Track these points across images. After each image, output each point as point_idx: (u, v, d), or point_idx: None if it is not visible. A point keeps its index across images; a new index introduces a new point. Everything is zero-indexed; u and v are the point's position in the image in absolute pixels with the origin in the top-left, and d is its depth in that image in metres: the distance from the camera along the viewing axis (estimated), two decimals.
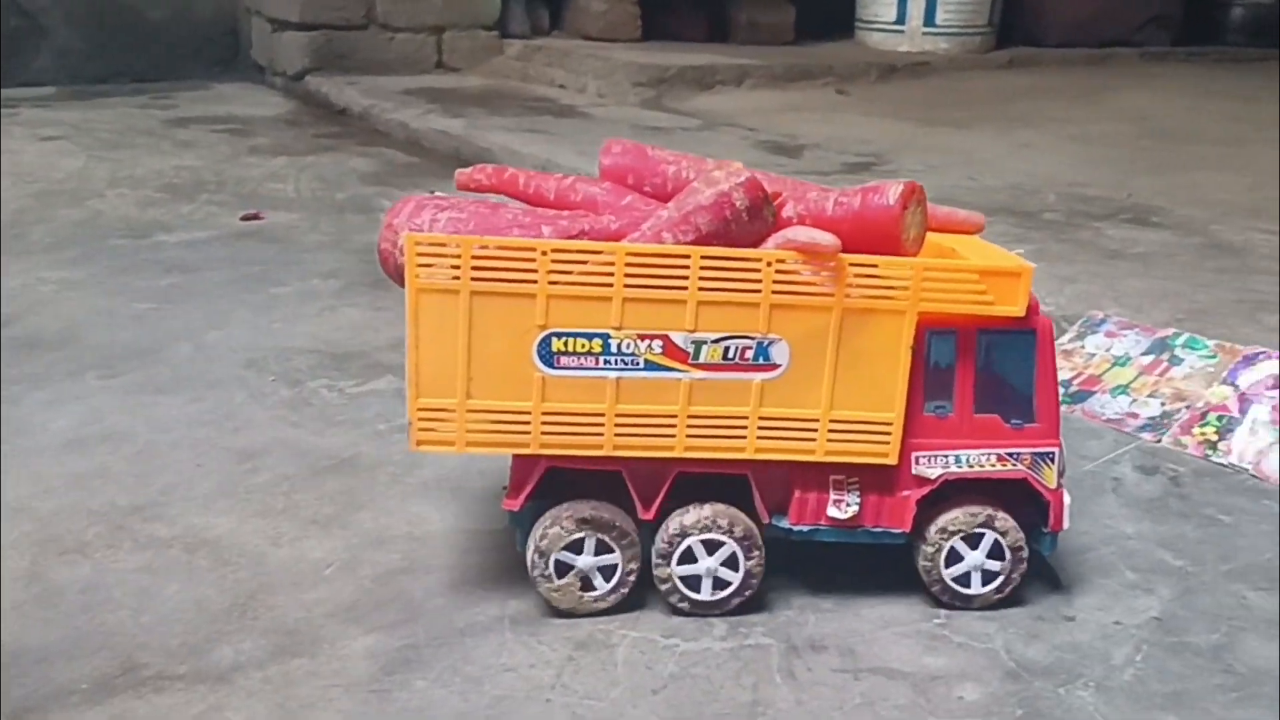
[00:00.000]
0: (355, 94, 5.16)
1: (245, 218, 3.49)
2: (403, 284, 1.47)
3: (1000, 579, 1.58)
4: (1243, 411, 2.09)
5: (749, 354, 1.46)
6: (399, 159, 4.44)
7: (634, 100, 5.08)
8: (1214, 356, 2.23)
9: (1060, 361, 2.36)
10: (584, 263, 1.41)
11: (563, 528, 1.51)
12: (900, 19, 6.23)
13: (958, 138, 4.51)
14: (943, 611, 1.58)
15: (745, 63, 5.39)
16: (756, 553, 1.54)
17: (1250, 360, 2.20)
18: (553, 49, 5.62)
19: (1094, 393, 2.24)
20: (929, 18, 6.18)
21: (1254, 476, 1.98)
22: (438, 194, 1.61)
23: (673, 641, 1.50)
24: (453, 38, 5.80)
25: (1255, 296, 2.68)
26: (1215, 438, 2.07)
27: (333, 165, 4.30)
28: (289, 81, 5.81)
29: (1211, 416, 2.11)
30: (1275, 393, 2.10)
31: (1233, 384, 2.16)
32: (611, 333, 1.43)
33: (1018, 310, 1.48)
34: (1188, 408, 2.13)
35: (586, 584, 1.54)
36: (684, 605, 1.55)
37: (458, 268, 1.40)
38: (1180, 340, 2.29)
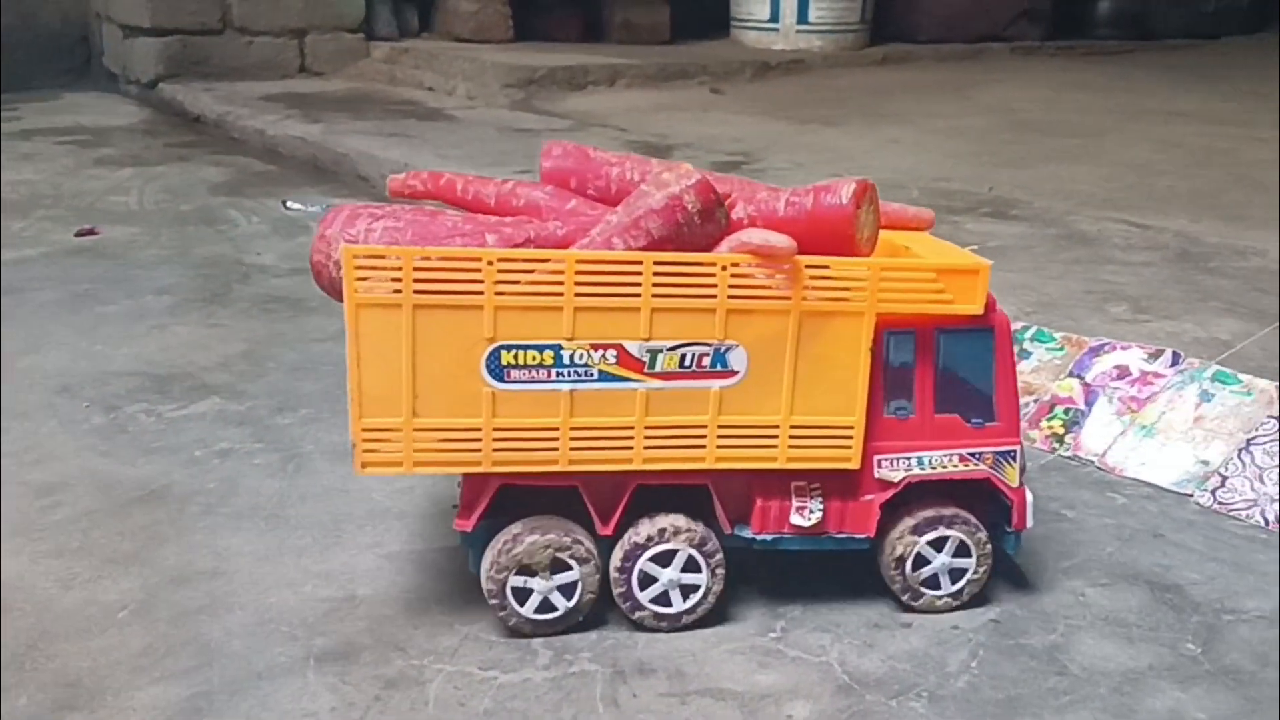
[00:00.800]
0: (211, 101, 4.98)
1: (80, 233, 3.32)
2: (338, 299, 1.40)
3: (965, 581, 1.55)
4: (1089, 404, 2.08)
5: (706, 361, 1.41)
6: (254, 167, 4.28)
7: (503, 102, 4.99)
8: (1061, 349, 2.22)
9: None
10: (532, 271, 1.35)
11: (518, 549, 1.45)
12: (774, 17, 6.23)
13: (827, 135, 4.50)
14: (778, 624, 1.53)
15: (618, 62, 5.33)
16: (718, 554, 1.50)
17: (1096, 352, 2.19)
18: (420, 51, 5.49)
19: None
20: (802, 16, 6.19)
21: (1100, 469, 1.97)
22: (366, 203, 1.54)
23: (491, 674, 1.42)
24: (315, 41, 5.63)
25: (1104, 287, 2.69)
26: (1062, 431, 2.06)
27: (182, 175, 4.12)
28: (143, 89, 5.59)
29: (1059, 410, 2.09)
30: (1121, 383, 2.10)
31: (1079, 376, 2.14)
32: (563, 344, 1.37)
33: (977, 308, 1.46)
34: (1035, 401, 2.11)
35: (544, 605, 1.47)
36: (663, 625, 1.51)
37: (399, 280, 1.33)
38: (1028, 334, 2.28)
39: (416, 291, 1.33)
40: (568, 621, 1.49)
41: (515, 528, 1.46)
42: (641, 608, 1.50)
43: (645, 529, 1.48)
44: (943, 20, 6.86)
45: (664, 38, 6.18)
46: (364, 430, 1.38)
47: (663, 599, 1.50)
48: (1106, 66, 6.92)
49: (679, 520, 1.49)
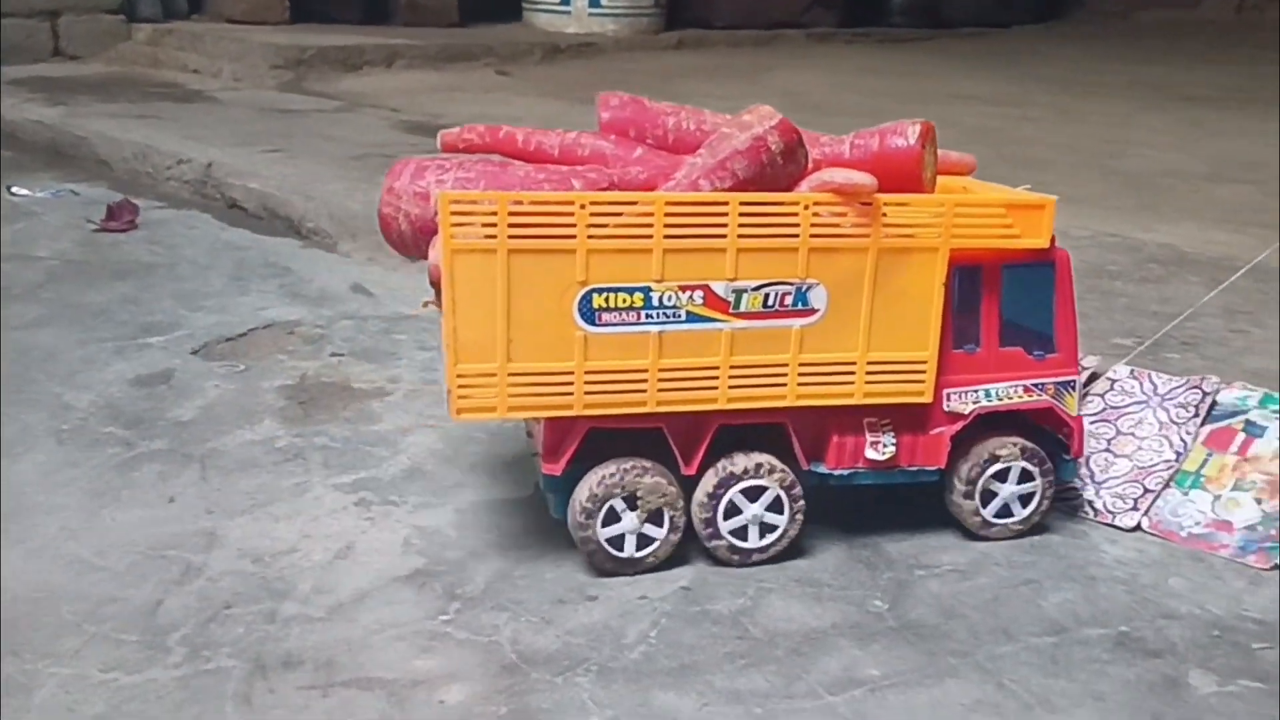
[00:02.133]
0: None
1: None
2: (406, 251, 1.45)
3: (1032, 507, 1.59)
4: None
5: (788, 300, 1.43)
6: None
7: (271, 83, 4.76)
8: None
9: None
10: (621, 214, 1.35)
11: (608, 491, 1.45)
12: (566, 0, 6.14)
13: None
14: (453, 606, 1.42)
15: (397, 43, 5.16)
16: (801, 500, 1.52)
17: None
18: (185, 33, 5.20)
19: None
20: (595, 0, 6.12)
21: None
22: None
23: (111, 675, 1.27)
24: (70, 23, 5.27)
25: None
26: None
27: None
28: None
29: None
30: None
31: None
32: (653, 285, 1.38)
33: (1043, 242, 1.49)
34: None
35: (617, 544, 1.48)
36: (734, 558, 1.52)
37: (493, 225, 1.32)
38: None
39: (511, 236, 1.33)
40: (656, 558, 1.50)
41: (603, 469, 1.46)
42: (720, 537, 1.50)
43: (741, 461, 1.48)
44: (739, 6, 6.89)
45: (453, 19, 6.02)
46: (459, 376, 1.37)
47: (740, 533, 1.50)
48: (899, 53, 7.05)
49: (773, 459, 1.50)
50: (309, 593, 1.44)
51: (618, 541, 1.48)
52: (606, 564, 1.48)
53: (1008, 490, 1.57)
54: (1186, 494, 1.65)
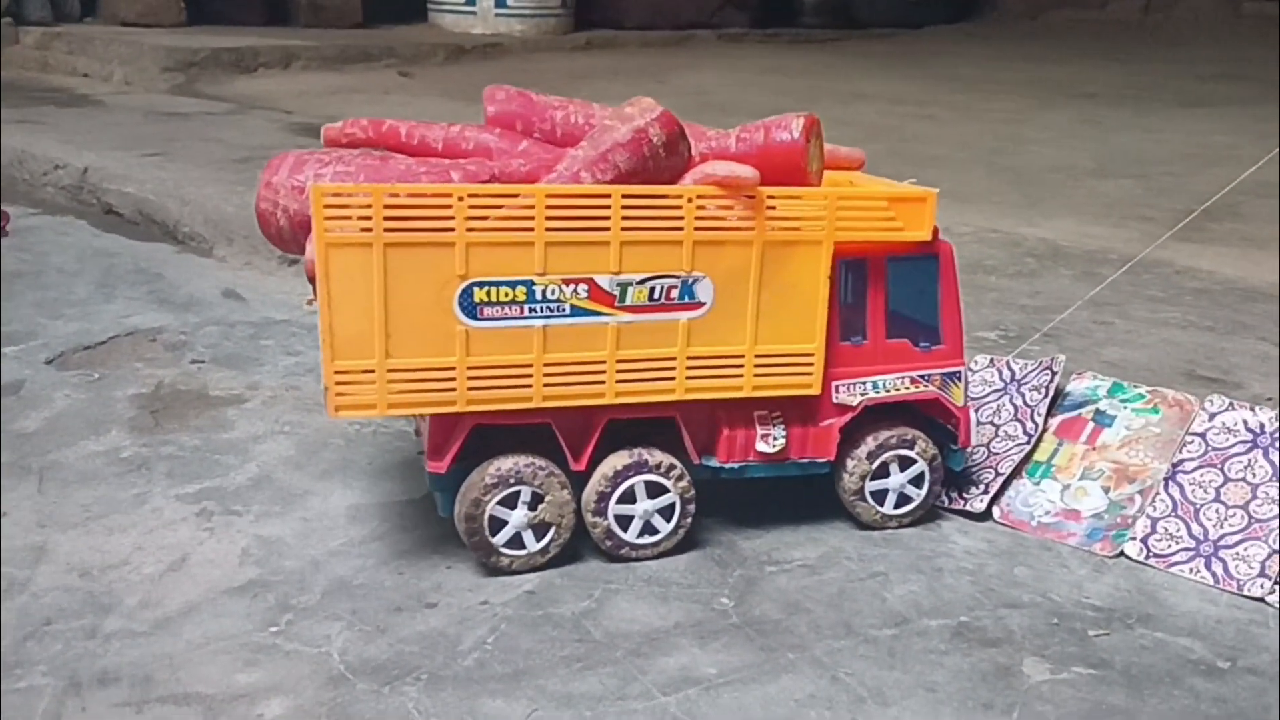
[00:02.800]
0: None
1: None
2: (284, 247, 1.42)
3: (922, 496, 1.60)
4: None
5: (674, 293, 1.42)
6: None
7: (163, 86, 4.66)
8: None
9: None
10: (501, 207, 1.33)
11: (494, 484, 1.43)
12: (471, 1, 6.08)
13: None
14: (285, 618, 1.37)
15: (293, 44, 5.07)
16: (693, 506, 1.52)
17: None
18: (76, 36, 5.07)
19: None
20: (500, 0, 6.07)
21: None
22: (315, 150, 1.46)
23: None
24: None
25: None
26: None
27: None
28: None
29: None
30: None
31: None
32: (535, 279, 1.37)
33: (926, 234, 1.50)
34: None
35: (515, 541, 1.46)
36: (614, 549, 1.50)
37: (368, 219, 1.30)
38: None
39: (387, 230, 1.30)
40: (546, 555, 1.49)
41: (489, 465, 1.44)
42: (604, 516, 1.49)
43: (657, 457, 1.49)
44: (649, 7, 6.89)
45: (356, 20, 5.94)
46: (337, 373, 1.35)
47: (623, 522, 1.50)
48: (810, 54, 7.10)
49: (675, 460, 1.50)
50: (135, 607, 1.39)
51: (514, 540, 1.47)
52: (500, 561, 1.47)
53: (895, 481, 1.58)
54: (1038, 484, 1.66)
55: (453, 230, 1.33)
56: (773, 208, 1.43)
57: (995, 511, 1.63)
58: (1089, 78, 6.16)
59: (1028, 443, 1.70)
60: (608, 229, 1.37)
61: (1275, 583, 1.45)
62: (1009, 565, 1.53)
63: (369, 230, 1.30)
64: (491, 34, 6.06)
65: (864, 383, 1.54)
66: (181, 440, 1.83)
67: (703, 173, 1.42)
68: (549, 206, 1.35)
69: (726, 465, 1.54)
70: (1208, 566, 1.49)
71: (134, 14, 5.39)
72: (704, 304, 1.44)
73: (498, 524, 1.45)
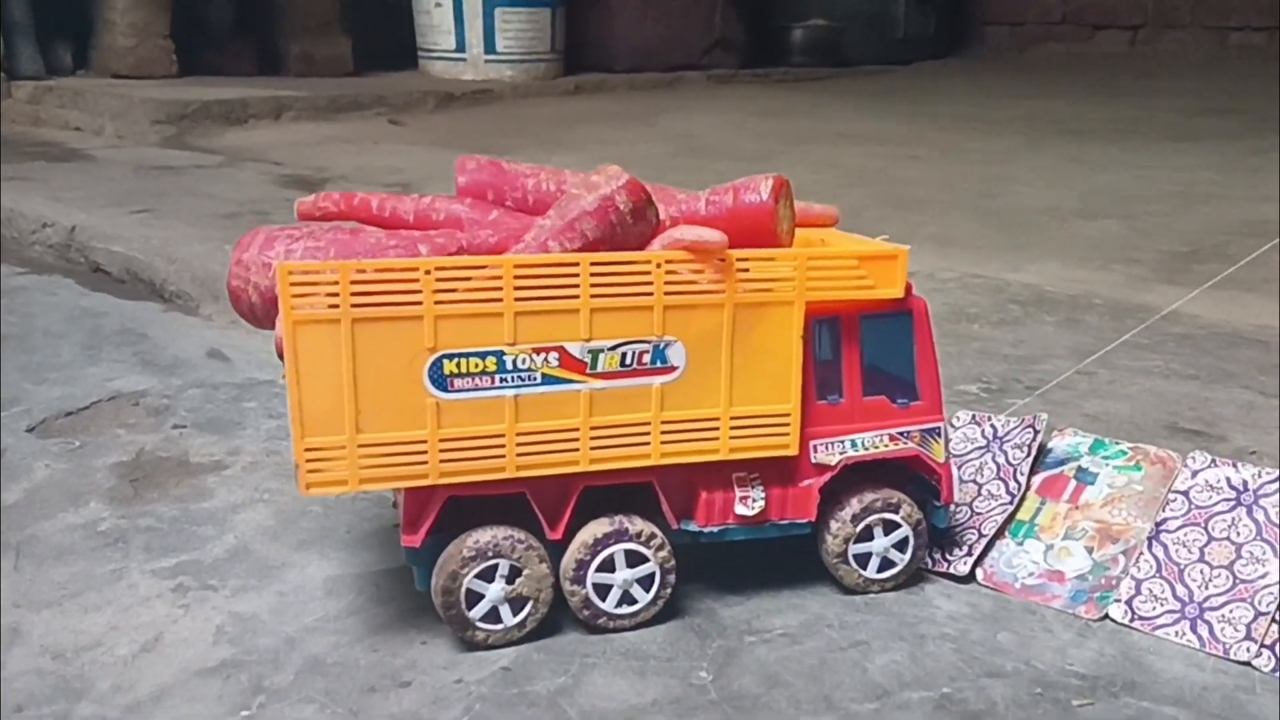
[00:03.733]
0: None
1: None
2: (258, 324, 1.42)
3: (907, 558, 1.58)
4: None
5: (646, 358, 1.43)
6: None
7: (154, 139, 4.68)
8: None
9: None
10: (469, 279, 1.34)
11: (471, 557, 1.43)
12: (461, 47, 6.12)
13: None
14: (255, 701, 1.36)
15: (284, 95, 5.09)
16: (673, 575, 1.51)
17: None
18: (67, 89, 5.09)
19: None
20: (489, 46, 6.11)
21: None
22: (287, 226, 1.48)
23: None
24: None
25: None
26: None
27: None
28: None
29: None
30: None
31: None
32: (505, 349, 1.37)
33: (897, 292, 1.50)
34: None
35: (493, 616, 1.45)
36: (592, 619, 1.49)
37: (335, 295, 1.30)
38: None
39: (354, 305, 1.31)
40: (524, 629, 1.48)
41: (465, 539, 1.43)
42: (582, 584, 1.48)
43: (639, 524, 1.48)
44: (638, 50, 6.92)
45: (346, 70, 5.97)
46: (307, 450, 1.35)
47: (602, 591, 1.49)
48: (798, 93, 7.13)
49: (654, 529, 1.49)
50: (107, 691, 1.37)
51: (491, 614, 1.46)
52: (476, 636, 1.46)
53: (879, 545, 1.57)
54: (1021, 544, 1.64)
55: (420, 304, 1.33)
56: (744, 270, 1.43)
57: (979, 573, 1.61)
58: (1077, 113, 6.19)
59: (1010, 502, 1.68)
60: (577, 296, 1.38)
61: (1262, 646, 1.43)
62: (992, 631, 1.51)
63: (336, 306, 1.31)
64: (482, 80, 6.09)
65: (842, 441, 1.54)
66: (160, 511, 1.82)
67: (671, 237, 1.42)
68: (517, 276, 1.35)
69: (706, 529, 1.53)
70: (1193, 629, 1.47)
71: (126, 66, 5.42)
72: (677, 368, 1.44)
73: (475, 598, 1.44)
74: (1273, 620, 1.45)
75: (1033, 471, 1.73)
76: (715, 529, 1.53)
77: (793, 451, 1.51)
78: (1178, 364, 2.21)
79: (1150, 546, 1.58)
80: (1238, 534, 1.55)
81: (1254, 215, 3.62)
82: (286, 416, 2.20)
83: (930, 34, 9.16)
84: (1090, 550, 1.60)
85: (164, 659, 1.44)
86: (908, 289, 1.52)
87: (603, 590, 1.49)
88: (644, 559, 1.49)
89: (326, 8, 5.95)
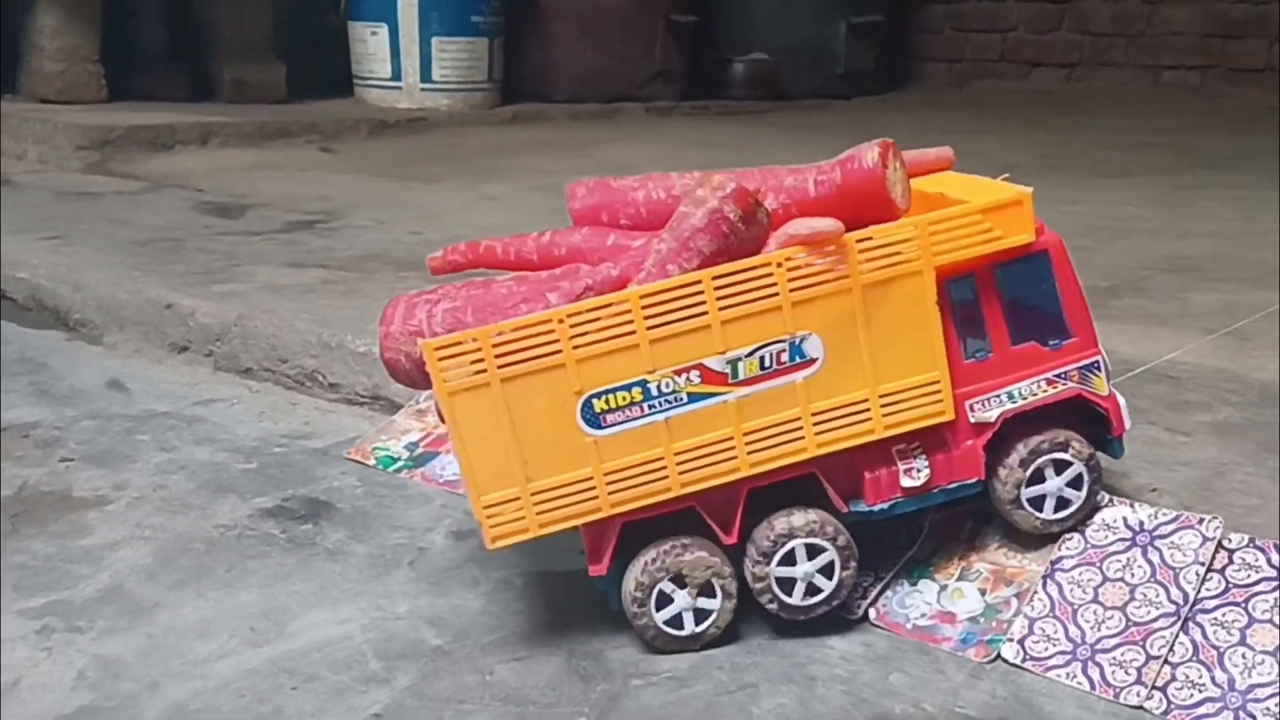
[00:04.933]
0: None
1: None
2: (419, 388, 1.51)
3: (1084, 494, 1.57)
4: None
5: (784, 357, 1.45)
6: None
7: (77, 165, 4.58)
8: None
9: (411, 421, 2.17)
10: (599, 319, 1.40)
11: (654, 576, 1.48)
12: (396, 75, 6.06)
13: (423, 192, 4.35)
14: None
15: (212, 121, 5.01)
16: (853, 563, 1.52)
17: None
18: None
19: (438, 454, 2.06)
20: (425, 74, 6.05)
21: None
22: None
23: None
24: None
25: None
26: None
27: None
28: None
29: None
30: None
31: None
32: (647, 378, 1.42)
33: (1028, 237, 1.49)
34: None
35: (676, 622, 1.50)
36: (776, 609, 1.52)
37: (480, 361, 1.38)
38: None
39: (500, 367, 1.39)
40: (713, 633, 1.52)
41: (648, 556, 1.48)
42: (769, 592, 1.51)
43: (800, 518, 1.50)
44: (577, 80, 6.90)
45: (280, 96, 5.88)
46: (485, 507, 1.43)
47: (811, 590, 1.52)
48: (737, 125, 7.14)
49: (829, 519, 1.51)
50: None
51: (676, 621, 1.49)
52: (670, 645, 1.50)
53: (1053, 485, 1.57)
54: (915, 585, 1.61)
55: (560, 351, 1.39)
56: (864, 249, 1.45)
57: (871, 613, 1.58)
58: (1012, 148, 6.24)
59: (911, 545, 1.66)
60: (706, 313, 1.41)
61: (1153, 689, 1.41)
62: (884, 672, 1.48)
63: (484, 371, 1.39)
64: (418, 109, 6.04)
65: (998, 395, 1.53)
66: (35, 548, 1.75)
67: (786, 234, 1.44)
68: (645, 307, 1.40)
69: (876, 507, 1.54)
70: (1084, 671, 1.45)
71: (53, 91, 5.31)
72: (816, 359, 1.47)
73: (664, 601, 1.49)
74: (1164, 663, 1.43)
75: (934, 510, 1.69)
76: (884, 505, 1.54)
77: (948, 416, 1.52)
78: None
79: (1045, 585, 1.56)
80: (1132, 575, 1.53)
81: (1176, 251, 3.65)
82: (179, 449, 2.14)
83: (870, 69, 9.22)
84: (984, 592, 1.58)
85: (20, 704, 1.37)
86: (1039, 229, 1.51)
87: (787, 585, 1.51)
88: (822, 549, 1.50)
89: (260, 34, 5.87)
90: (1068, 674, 1.45)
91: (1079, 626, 1.50)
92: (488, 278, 1.57)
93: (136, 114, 5.10)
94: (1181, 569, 1.51)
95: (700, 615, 1.51)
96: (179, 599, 1.62)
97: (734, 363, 1.45)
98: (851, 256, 1.44)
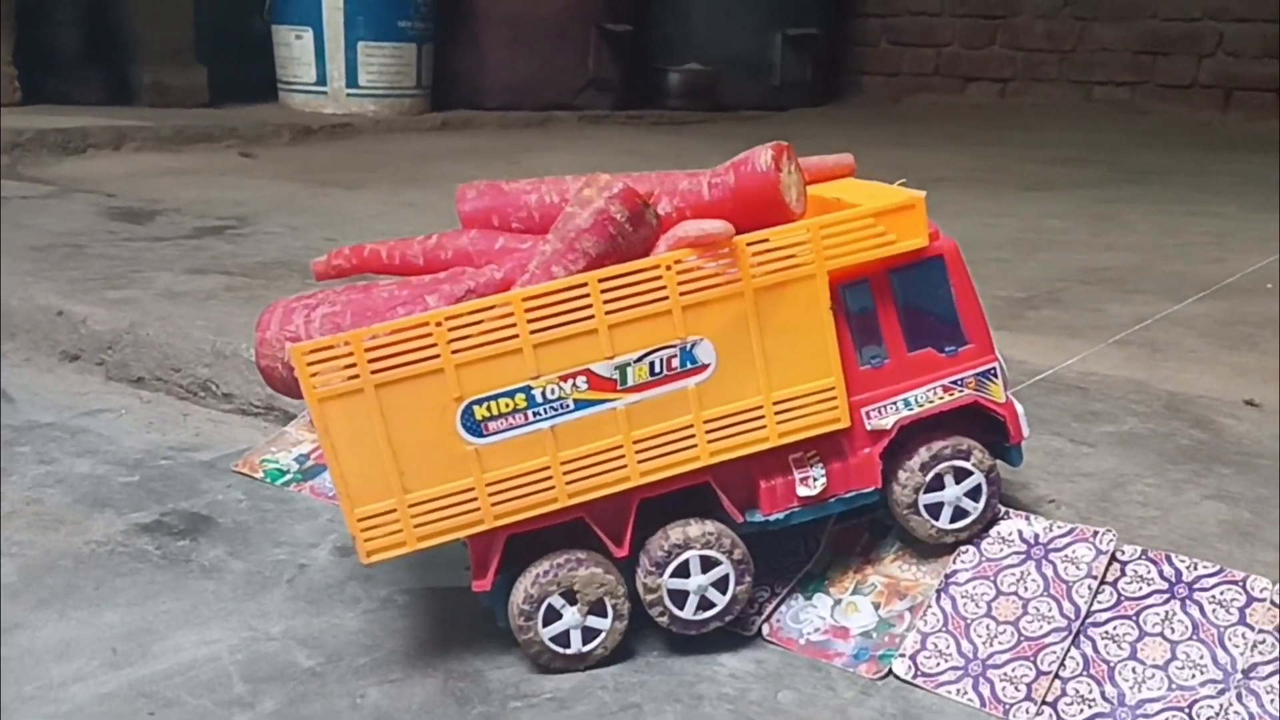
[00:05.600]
0: None
1: None
2: (295, 396, 1.41)
3: (981, 506, 1.54)
4: None
5: (675, 363, 1.41)
6: None
7: None
8: None
9: (303, 432, 2.10)
10: (481, 322, 1.34)
11: (543, 590, 1.43)
12: (322, 80, 5.97)
13: (342, 198, 4.27)
14: None
15: (126, 124, 4.89)
16: (748, 578, 1.48)
17: None
18: None
19: (324, 469, 1.99)
20: (351, 79, 5.97)
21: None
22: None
23: None
24: None
25: None
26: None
27: None
28: None
29: None
30: None
31: None
32: (531, 384, 1.37)
33: (921, 241, 1.46)
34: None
35: (563, 640, 1.45)
36: (667, 622, 1.47)
37: (353, 365, 1.32)
38: None
39: (374, 372, 1.33)
40: (604, 650, 1.47)
41: (534, 571, 1.43)
42: (660, 605, 1.47)
43: (695, 530, 1.46)
44: (509, 87, 6.84)
45: (202, 100, 5.77)
46: (359, 520, 1.37)
47: (704, 604, 1.47)
48: (670, 135, 7.13)
49: (690, 530, 1.46)
50: None
51: (563, 639, 1.44)
52: (554, 663, 1.45)
53: (951, 494, 1.54)
54: (810, 599, 1.58)
55: (439, 356, 1.33)
56: (756, 252, 1.40)
57: (765, 629, 1.54)
58: (943, 161, 6.28)
59: (807, 558, 1.62)
60: (592, 316, 1.36)
61: (1043, 704, 1.38)
62: (773, 690, 1.44)
63: (356, 377, 1.32)
64: (343, 114, 5.96)
65: (894, 403, 1.50)
66: None
67: (675, 236, 1.40)
68: (528, 310, 1.34)
69: (771, 517, 1.50)
70: (975, 688, 1.42)
71: None
72: (708, 365, 1.42)
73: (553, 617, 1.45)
74: (1054, 678, 1.40)
75: (830, 524, 1.65)
76: (781, 515, 1.50)
77: (844, 424, 1.48)
78: None
79: (939, 599, 1.53)
80: (1025, 589, 1.51)
81: (1094, 262, 3.67)
82: (58, 462, 2.05)
83: (807, 81, 9.26)
84: (877, 606, 1.54)
85: None
86: (933, 235, 1.48)
87: (680, 598, 1.46)
88: (717, 561, 1.46)
89: (180, 36, 5.76)
90: (958, 690, 1.42)
91: (971, 642, 1.47)
92: (370, 281, 1.51)
93: (49, 117, 4.97)
94: (1074, 582, 1.48)
95: (589, 634, 1.46)
96: (40, 619, 1.53)
97: (622, 368, 1.40)
98: (743, 259, 1.40)
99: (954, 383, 1.52)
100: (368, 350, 1.32)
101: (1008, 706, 1.38)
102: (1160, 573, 1.46)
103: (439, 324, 1.34)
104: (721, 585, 1.47)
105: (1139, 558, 1.49)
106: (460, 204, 1.58)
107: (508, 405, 1.38)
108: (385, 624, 1.56)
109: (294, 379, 1.41)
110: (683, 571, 1.46)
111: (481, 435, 1.38)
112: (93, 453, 2.09)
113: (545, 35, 6.96)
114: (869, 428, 1.51)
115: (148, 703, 1.36)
